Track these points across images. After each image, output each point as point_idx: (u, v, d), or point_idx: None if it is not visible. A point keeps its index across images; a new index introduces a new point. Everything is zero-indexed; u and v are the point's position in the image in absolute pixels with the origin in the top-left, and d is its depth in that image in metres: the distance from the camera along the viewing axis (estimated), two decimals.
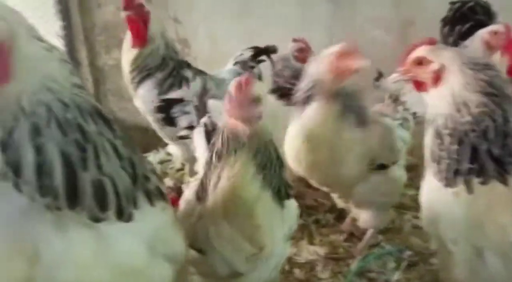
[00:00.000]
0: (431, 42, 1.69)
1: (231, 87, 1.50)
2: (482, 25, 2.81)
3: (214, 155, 1.57)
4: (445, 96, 1.51)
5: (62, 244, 1.06)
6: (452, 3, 2.97)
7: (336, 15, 4.22)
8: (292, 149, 2.26)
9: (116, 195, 1.14)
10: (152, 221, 1.23)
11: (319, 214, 2.97)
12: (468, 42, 2.56)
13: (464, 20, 2.85)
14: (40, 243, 1.04)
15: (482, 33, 2.52)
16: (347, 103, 2.18)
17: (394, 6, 4.20)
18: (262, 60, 3.36)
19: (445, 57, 1.55)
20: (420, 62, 1.62)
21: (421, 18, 3.85)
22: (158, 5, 3.42)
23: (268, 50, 3.33)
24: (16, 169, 1.01)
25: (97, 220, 1.11)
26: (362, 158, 2.24)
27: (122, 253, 1.14)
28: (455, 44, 2.81)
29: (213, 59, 3.61)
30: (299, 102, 2.26)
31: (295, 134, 2.25)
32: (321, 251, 2.64)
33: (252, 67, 3.29)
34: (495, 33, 2.48)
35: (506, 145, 1.42)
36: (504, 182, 1.40)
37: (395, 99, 2.68)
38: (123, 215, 1.15)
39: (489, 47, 2.47)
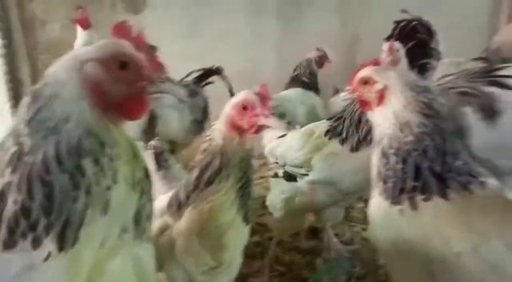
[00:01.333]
0: (377, 62, 1.74)
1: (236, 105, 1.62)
2: (424, 43, 2.93)
3: (201, 175, 1.63)
4: (388, 116, 1.56)
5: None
6: (397, 22, 3.06)
7: (284, 31, 4.30)
8: None
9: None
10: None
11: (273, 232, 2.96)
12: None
13: (407, 39, 2.93)
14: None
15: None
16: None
17: (341, 23, 4.34)
18: (210, 83, 3.35)
19: (389, 77, 1.60)
20: (365, 81, 1.67)
21: (367, 35, 3.99)
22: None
23: (214, 72, 3.32)
24: None
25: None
26: None
27: (150, 273, 1.23)
28: None
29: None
30: None
31: None
32: (277, 268, 2.66)
33: (196, 93, 3.29)
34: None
35: (445, 162, 1.48)
36: (445, 196, 1.45)
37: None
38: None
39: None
